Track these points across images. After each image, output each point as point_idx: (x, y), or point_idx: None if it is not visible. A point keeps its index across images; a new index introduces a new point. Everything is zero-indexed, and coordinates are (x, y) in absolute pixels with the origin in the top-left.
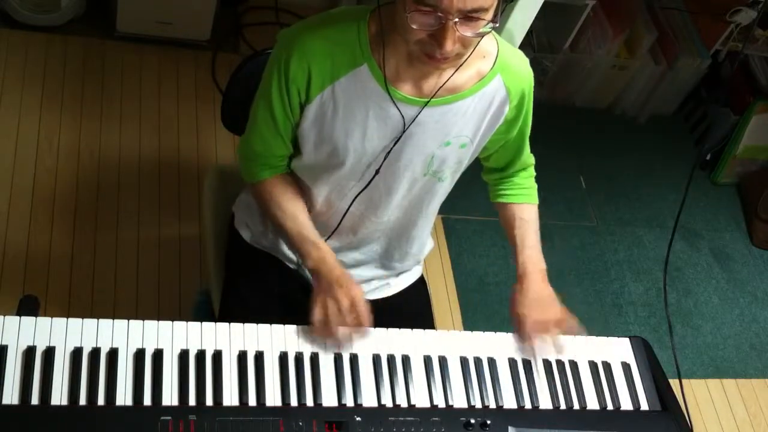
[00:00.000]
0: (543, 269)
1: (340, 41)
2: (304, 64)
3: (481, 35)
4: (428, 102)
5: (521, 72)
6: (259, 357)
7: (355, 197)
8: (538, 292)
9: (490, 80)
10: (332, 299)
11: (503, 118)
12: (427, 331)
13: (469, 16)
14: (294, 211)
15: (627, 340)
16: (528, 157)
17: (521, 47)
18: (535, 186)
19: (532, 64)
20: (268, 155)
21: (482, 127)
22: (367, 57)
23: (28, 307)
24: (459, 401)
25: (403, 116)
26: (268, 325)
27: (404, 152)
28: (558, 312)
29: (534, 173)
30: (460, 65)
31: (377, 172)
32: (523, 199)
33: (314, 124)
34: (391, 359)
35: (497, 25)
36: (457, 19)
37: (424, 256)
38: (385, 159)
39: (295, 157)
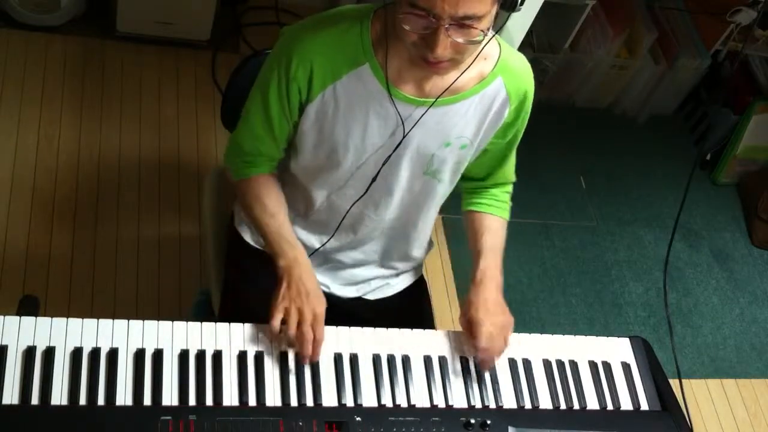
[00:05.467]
0: (500, 281)
1: (342, 40)
2: (306, 62)
3: (473, 44)
4: (432, 104)
5: (523, 75)
6: (259, 357)
7: (357, 200)
8: (492, 299)
9: (491, 82)
10: (297, 310)
11: (503, 120)
12: (427, 331)
13: (461, 23)
14: (275, 210)
15: (627, 340)
16: (510, 173)
17: (521, 47)
18: (510, 203)
19: (532, 64)
20: (256, 155)
21: (483, 129)
22: (369, 56)
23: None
24: (459, 401)
25: (401, 117)
26: (268, 325)
27: (405, 152)
28: (509, 319)
29: (511, 191)
30: (465, 70)
31: (374, 179)
32: (495, 211)
33: (315, 122)
34: (391, 359)
35: (489, 34)
36: (448, 25)
37: (424, 256)
38: (384, 164)
39: (293, 159)
